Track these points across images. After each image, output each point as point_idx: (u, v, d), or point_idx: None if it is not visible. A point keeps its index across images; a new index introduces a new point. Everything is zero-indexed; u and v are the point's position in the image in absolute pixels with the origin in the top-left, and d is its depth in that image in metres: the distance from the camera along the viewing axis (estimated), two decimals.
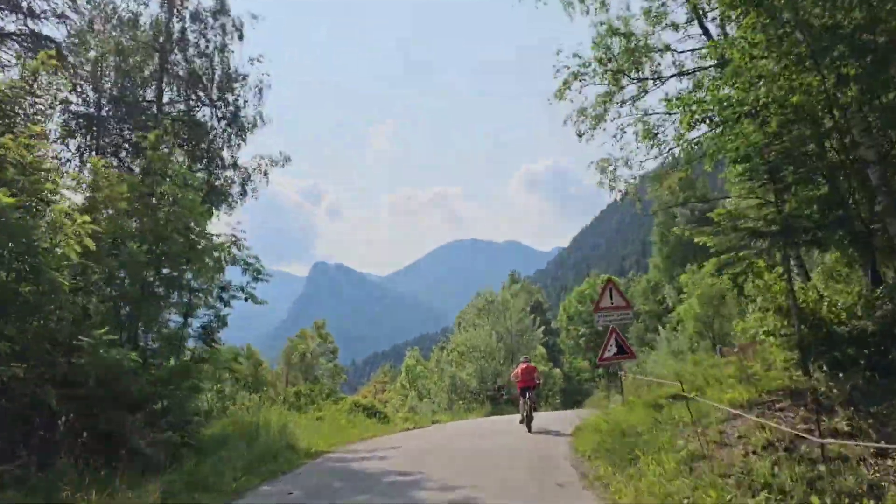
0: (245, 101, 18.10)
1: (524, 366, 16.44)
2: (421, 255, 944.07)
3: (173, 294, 11.25)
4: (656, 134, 15.47)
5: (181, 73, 17.41)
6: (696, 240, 11.60)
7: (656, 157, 16.18)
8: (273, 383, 40.31)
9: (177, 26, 17.87)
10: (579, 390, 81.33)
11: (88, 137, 16.23)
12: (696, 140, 13.23)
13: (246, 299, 12.81)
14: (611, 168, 15.93)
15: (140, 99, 16.95)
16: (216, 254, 11.76)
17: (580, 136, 16.10)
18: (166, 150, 11.97)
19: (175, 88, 17.69)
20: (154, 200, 11.22)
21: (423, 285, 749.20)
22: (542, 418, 18.29)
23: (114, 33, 16.66)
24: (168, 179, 11.26)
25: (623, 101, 15.71)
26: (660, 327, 32.03)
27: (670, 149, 15.92)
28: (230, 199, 18.15)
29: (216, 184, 18.09)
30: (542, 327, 39.86)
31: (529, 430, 14.97)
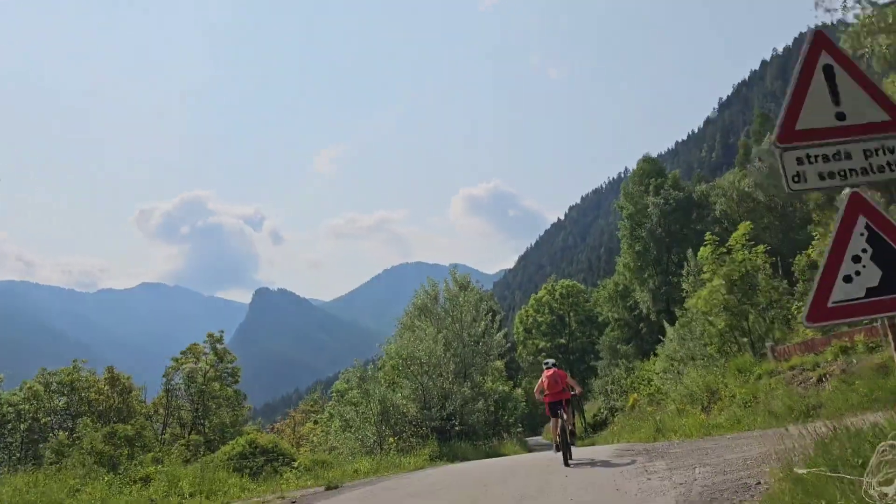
0: None
1: (550, 372, 12.39)
2: (366, 280, 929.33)
3: None
4: None
5: None
6: None
7: None
8: (150, 414, 30.54)
9: None
10: (533, 414, 72.79)
11: None
12: None
13: None
14: None
15: None
16: None
17: None
18: None
19: None
20: None
21: (368, 310, 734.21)
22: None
23: None
24: None
25: None
26: (666, 324, 23.84)
27: None
28: None
29: None
30: (504, 329, 31.47)
31: (567, 463, 11.03)
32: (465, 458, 20.39)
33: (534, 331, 57.23)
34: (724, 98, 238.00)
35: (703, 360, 19.75)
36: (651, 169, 49.30)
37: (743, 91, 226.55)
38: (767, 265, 19.97)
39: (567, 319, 56.83)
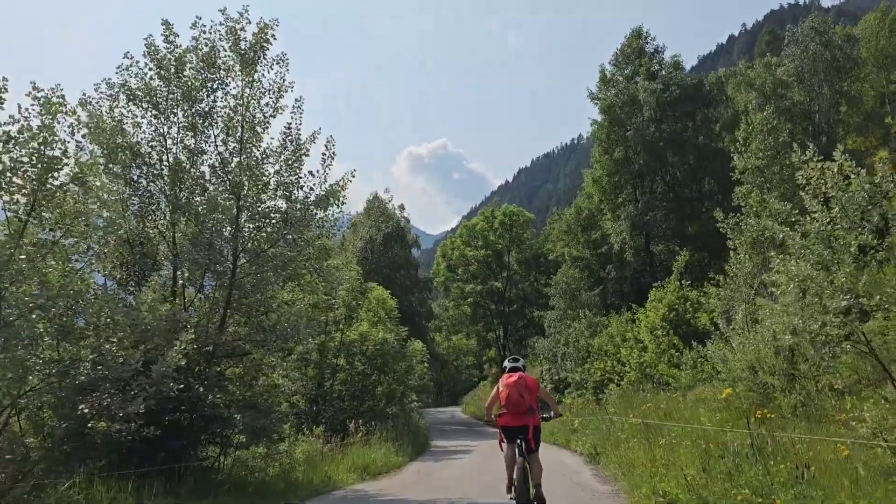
0: None
1: (513, 378, 7.02)
2: None
3: None
4: None
5: None
6: None
7: None
8: None
9: None
10: (456, 379, 57.93)
11: None
12: None
13: None
14: None
15: None
16: None
17: None
18: None
19: None
20: None
21: None
22: None
23: None
24: None
25: None
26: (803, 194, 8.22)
27: None
28: None
29: None
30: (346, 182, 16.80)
31: None
32: None
33: (461, 269, 42.51)
34: (688, 69, 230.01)
35: None
36: (643, 47, 34.62)
37: (708, 63, 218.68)
38: None
39: (506, 258, 42.32)
